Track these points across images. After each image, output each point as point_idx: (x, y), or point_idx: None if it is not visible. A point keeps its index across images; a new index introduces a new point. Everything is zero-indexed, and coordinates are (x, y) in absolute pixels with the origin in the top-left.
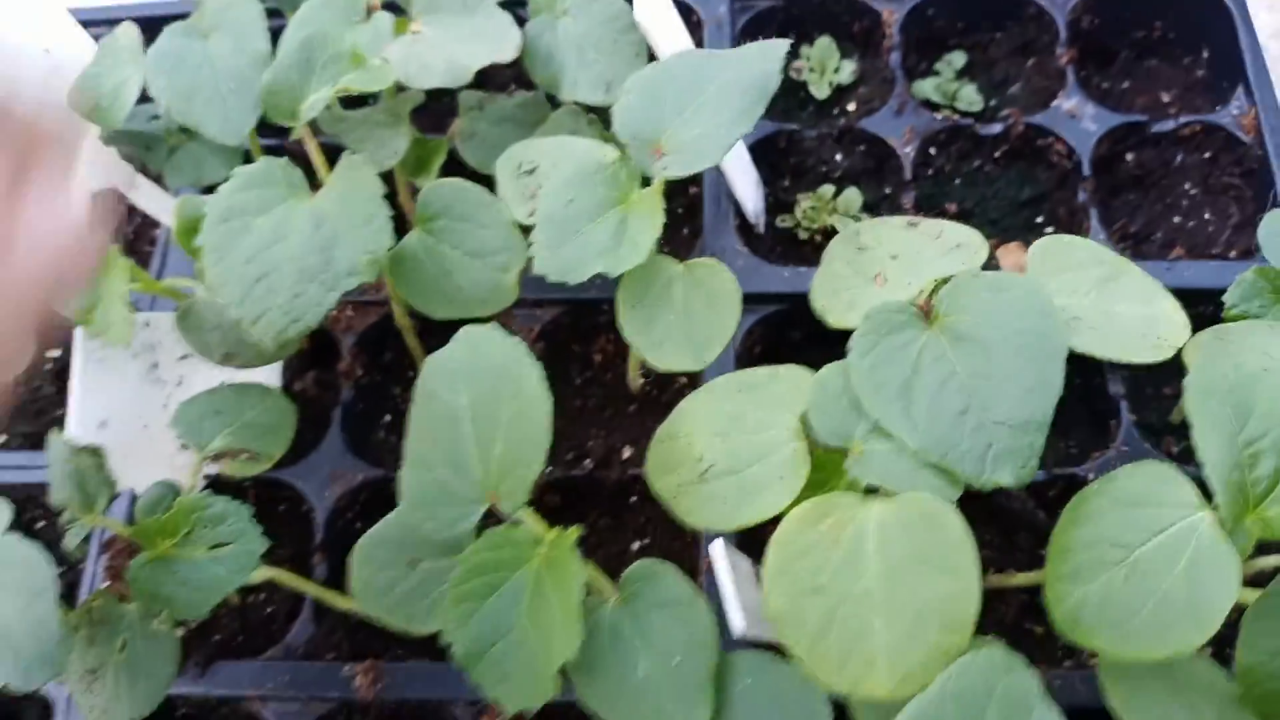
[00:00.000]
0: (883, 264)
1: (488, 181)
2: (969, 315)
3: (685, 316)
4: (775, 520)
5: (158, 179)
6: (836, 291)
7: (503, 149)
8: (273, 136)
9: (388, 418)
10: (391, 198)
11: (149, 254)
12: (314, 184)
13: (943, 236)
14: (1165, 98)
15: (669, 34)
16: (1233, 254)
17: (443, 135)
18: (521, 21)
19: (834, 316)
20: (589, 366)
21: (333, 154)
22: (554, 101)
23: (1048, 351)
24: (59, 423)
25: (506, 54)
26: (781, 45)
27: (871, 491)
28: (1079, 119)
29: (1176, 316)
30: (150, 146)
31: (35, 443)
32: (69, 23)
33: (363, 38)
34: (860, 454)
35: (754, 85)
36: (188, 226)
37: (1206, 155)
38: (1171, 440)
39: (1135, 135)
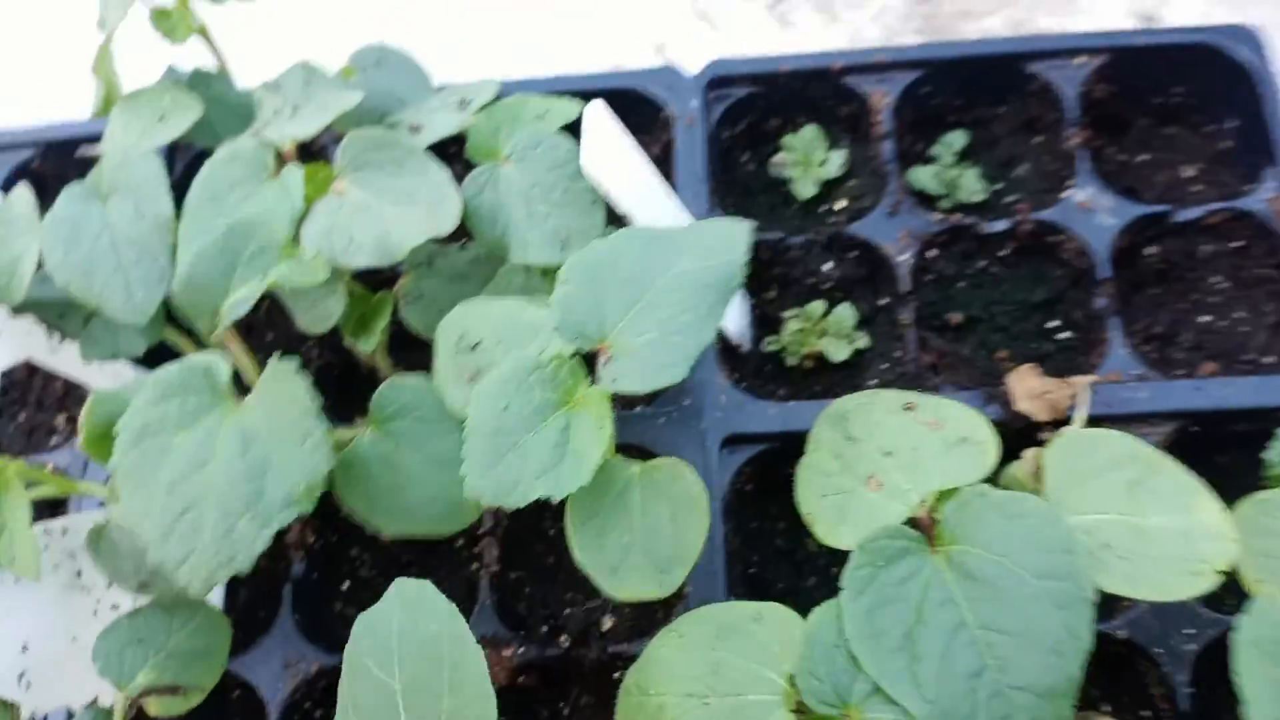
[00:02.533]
0: (877, 462)
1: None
2: (980, 546)
3: (645, 534)
4: None
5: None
6: (824, 494)
7: (449, 311)
8: None
9: (346, 585)
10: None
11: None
12: (241, 385)
13: (945, 427)
14: (1189, 172)
15: (632, 180)
16: (1270, 360)
17: (388, 288)
18: (455, 162)
19: (823, 528)
20: (559, 517)
21: None
22: None
23: (1073, 598)
24: None
25: (445, 225)
26: (743, 228)
27: None
28: (1094, 212)
29: (1220, 528)
30: (64, 314)
31: None
32: None
33: (271, 198)
34: None
35: (715, 282)
36: (99, 434)
37: (1236, 245)
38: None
39: (1156, 226)
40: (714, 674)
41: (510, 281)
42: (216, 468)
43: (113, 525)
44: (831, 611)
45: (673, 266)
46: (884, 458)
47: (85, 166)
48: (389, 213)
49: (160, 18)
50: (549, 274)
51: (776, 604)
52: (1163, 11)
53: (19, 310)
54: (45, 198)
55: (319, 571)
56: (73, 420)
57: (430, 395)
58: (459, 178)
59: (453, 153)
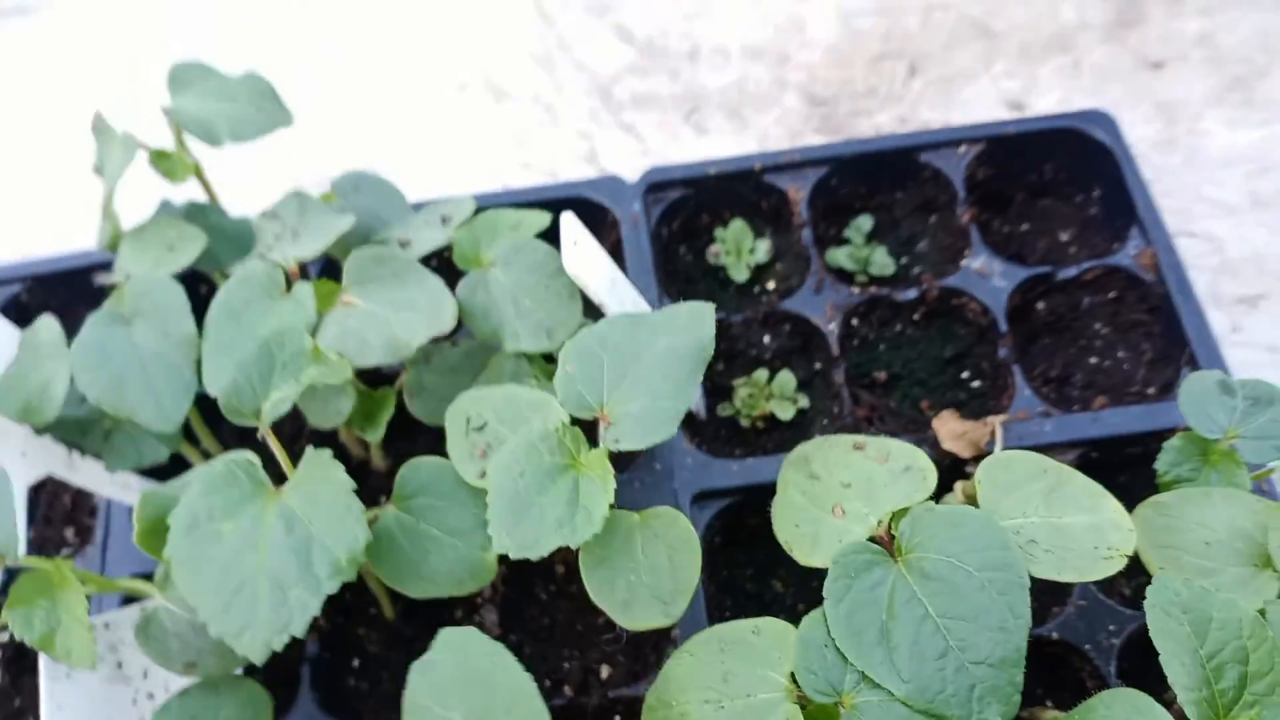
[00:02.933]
0: (838, 493)
1: (436, 433)
2: (932, 552)
3: (650, 573)
4: None
5: (96, 453)
6: (798, 525)
7: (450, 400)
8: None
9: (356, 661)
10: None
11: (90, 528)
12: (277, 476)
13: (890, 459)
14: (1064, 236)
15: (601, 275)
16: (1151, 390)
17: (388, 385)
18: (436, 271)
19: (800, 553)
20: (552, 579)
21: None
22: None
23: (1012, 585)
24: None
25: (445, 325)
26: (708, 309)
27: None
28: (989, 277)
29: (1122, 521)
30: (86, 431)
31: None
32: None
33: (285, 312)
34: (852, 708)
35: (690, 354)
36: (150, 529)
37: (1112, 295)
38: (1122, 583)
39: (1043, 284)
40: (725, 681)
41: (502, 369)
42: (265, 547)
43: (160, 612)
44: (818, 618)
45: (655, 344)
46: (844, 489)
47: (70, 298)
48: (394, 318)
49: (159, 159)
50: (535, 361)
51: (771, 618)
52: (1029, 99)
53: (42, 430)
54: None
55: (331, 651)
56: (81, 532)
57: (445, 473)
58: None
59: (434, 265)
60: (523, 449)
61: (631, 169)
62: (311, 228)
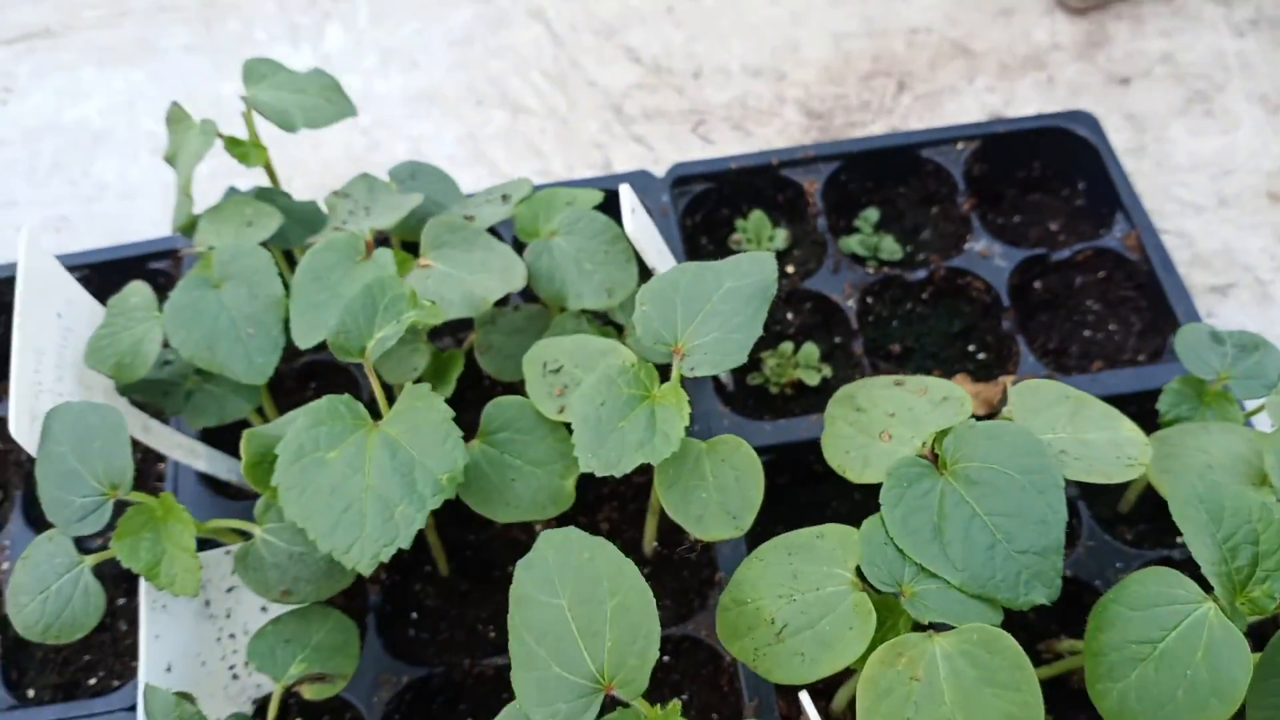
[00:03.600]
0: (884, 422)
1: (505, 388)
2: (975, 461)
3: (718, 491)
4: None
5: (158, 415)
6: (848, 451)
7: (517, 358)
8: None
9: (414, 615)
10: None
11: (156, 490)
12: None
13: (929, 392)
14: (1054, 226)
15: (653, 241)
16: (1142, 358)
17: (454, 346)
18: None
19: (854, 473)
20: (596, 534)
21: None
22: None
23: (1049, 485)
24: (85, 673)
25: (517, 284)
26: (768, 256)
27: (933, 627)
28: (990, 258)
29: (1138, 437)
30: (167, 392)
31: (68, 693)
32: (74, 287)
33: (367, 274)
34: (912, 595)
35: (755, 293)
36: (256, 461)
37: (1102, 275)
38: (1125, 529)
39: (1039, 265)
40: (794, 579)
41: (563, 328)
42: (370, 471)
43: (258, 544)
44: (876, 521)
45: (721, 286)
46: (888, 418)
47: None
48: (470, 278)
49: (233, 145)
50: (592, 321)
51: (833, 524)
52: (1010, 111)
53: (125, 392)
54: None
55: (391, 604)
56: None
57: (525, 410)
58: None
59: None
60: (603, 382)
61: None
62: (381, 205)
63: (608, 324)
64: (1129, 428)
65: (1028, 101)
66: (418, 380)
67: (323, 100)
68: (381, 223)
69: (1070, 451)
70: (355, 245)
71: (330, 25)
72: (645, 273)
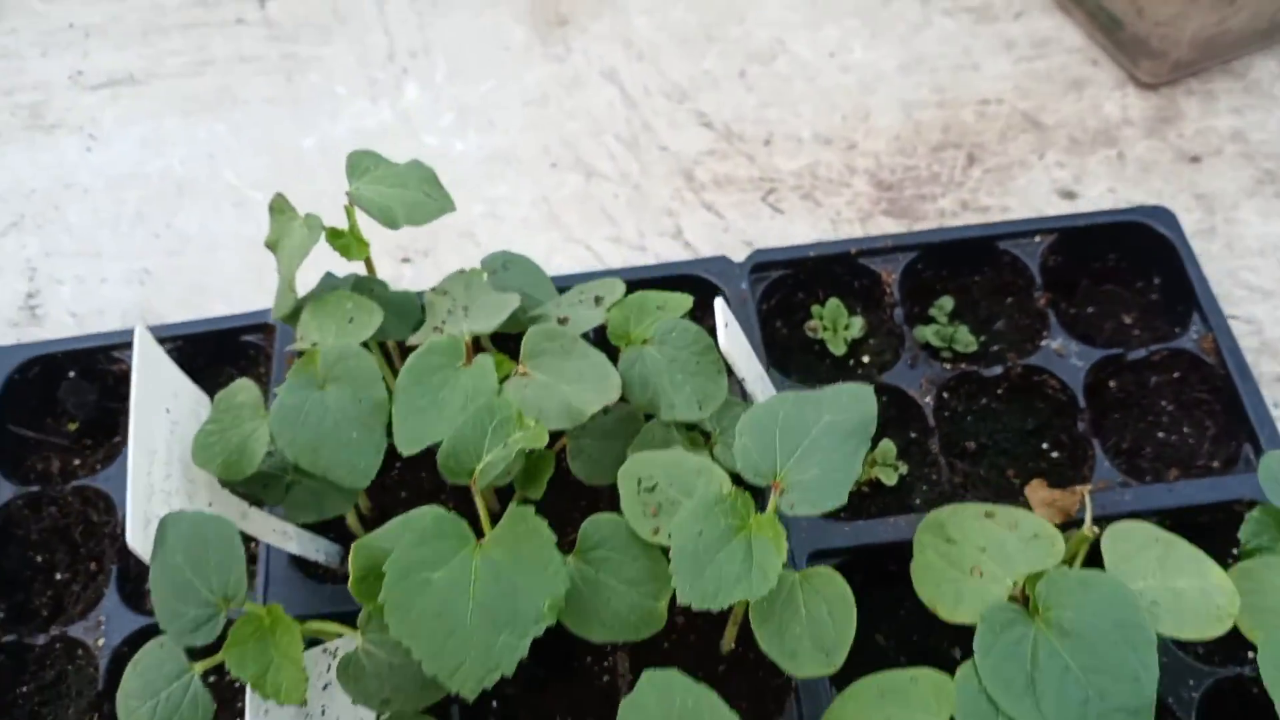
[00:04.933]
0: (975, 557)
1: (591, 492)
2: (1069, 611)
3: (811, 624)
4: None
5: (257, 503)
6: (938, 584)
7: (606, 463)
8: None
9: (495, 703)
10: None
11: (251, 573)
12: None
13: (1019, 527)
14: (1128, 320)
15: (743, 352)
16: (1215, 464)
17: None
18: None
19: (945, 610)
20: (674, 630)
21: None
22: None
23: (1142, 641)
24: None
25: (612, 396)
26: (868, 390)
27: None
28: (1066, 357)
29: (1226, 586)
30: (267, 485)
31: None
32: (181, 380)
33: (469, 381)
34: None
35: (855, 430)
36: (363, 576)
37: (1176, 376)
38: (1195, 643)
39: (1115, 364)
40: None
41: (653, 435)
42: (474, 594)
43: (359, 653)
44: (970, 670)
45: (820, 420)
46: (979, 552)
47: (215, 356)
48: (566, 389)
49: (335, 237)
50: (682, 430)
51: (926, 668)
52: (1080, 187)
53: (227, 483)
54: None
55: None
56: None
57: (621, 528)
58: None
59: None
60: (700, 510)
61: (714, 243)
62: (480, 304)
63: (693, 428)
64: (1218, 576)
65: (1097, 178)
66: (509, 483)
67: (423, 195)
68: (480, 326)
69: (1161, 603)
70: (456, 350)
71: (408, 81)
72: (733, 380)
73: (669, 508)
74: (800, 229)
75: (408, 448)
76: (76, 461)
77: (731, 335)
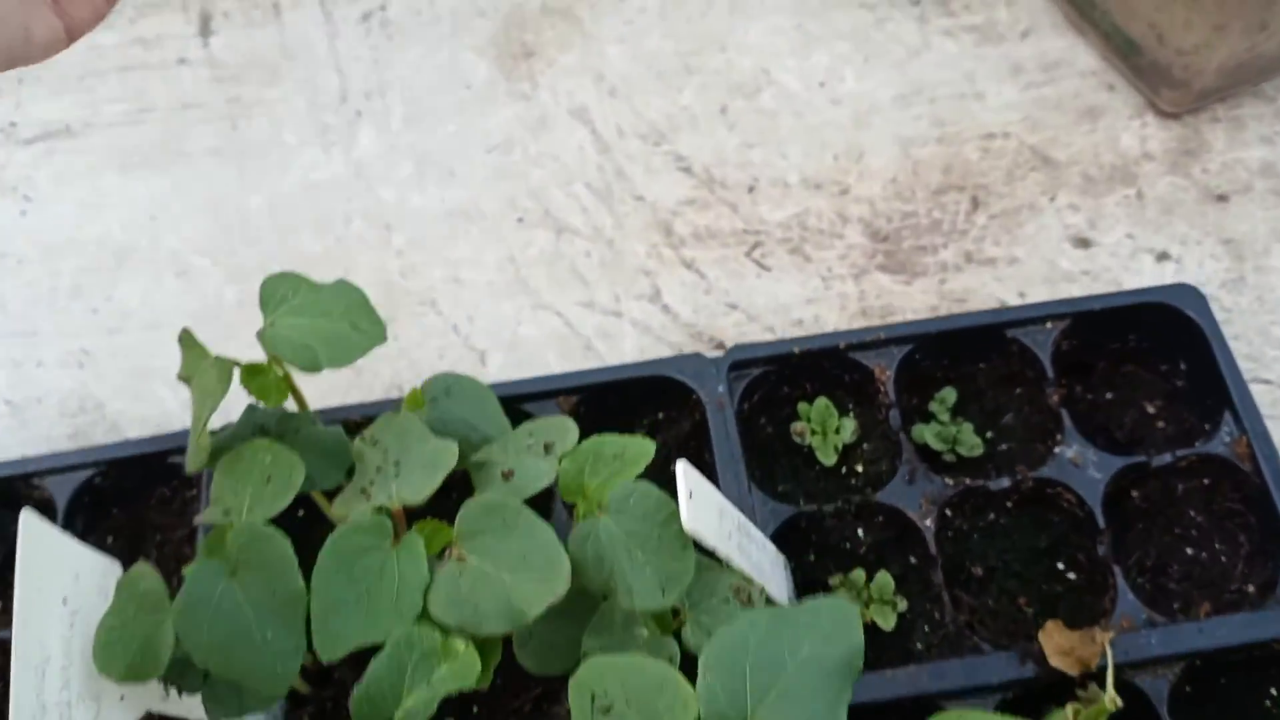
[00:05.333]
0: None
1: (545, 681)
2: None
3: None
4: None
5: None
6: None
7: (558, 650)
8: None
9: None
10: None
11: None
12: None
13: None
14: (1150, 409)
15: (713, 527)
16: (1250, 588)
17: None
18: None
19: None
20: None
21: None
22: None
23: None
24: None
25: (560, 588)
26: (852, 612)
27: None
28: (1083, 467)
29: None
30: (184, 673)
31: None
32: (82, 556)
33: (397, 569)
34: None
35: (838, 668)
36: None
37: (1206, 482)
38: None
39: (1137, 472)
40: None
41: (612, 617)
42: None
43: None
44: None
45: (799, 651)
46: None
47: (145, 480)
48: (508, 580)
49: (250, 377)
50: (644, 619)
51: None
52: (1095, 234)
53: None
54: (104, 514)
55: None
56: None
57: None
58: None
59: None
60: None
61: (694, 306)
62: (414, 458)
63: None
64: None
65: (1115, 222)
66: None
67: (349, 326)
68: (411, 495)
69: None
70: (383, 529)
71: (362, 126)
72: (702, 551)
73: None
74: (789, 288)
75: (328, 654)
76: None
77: (697, 509)
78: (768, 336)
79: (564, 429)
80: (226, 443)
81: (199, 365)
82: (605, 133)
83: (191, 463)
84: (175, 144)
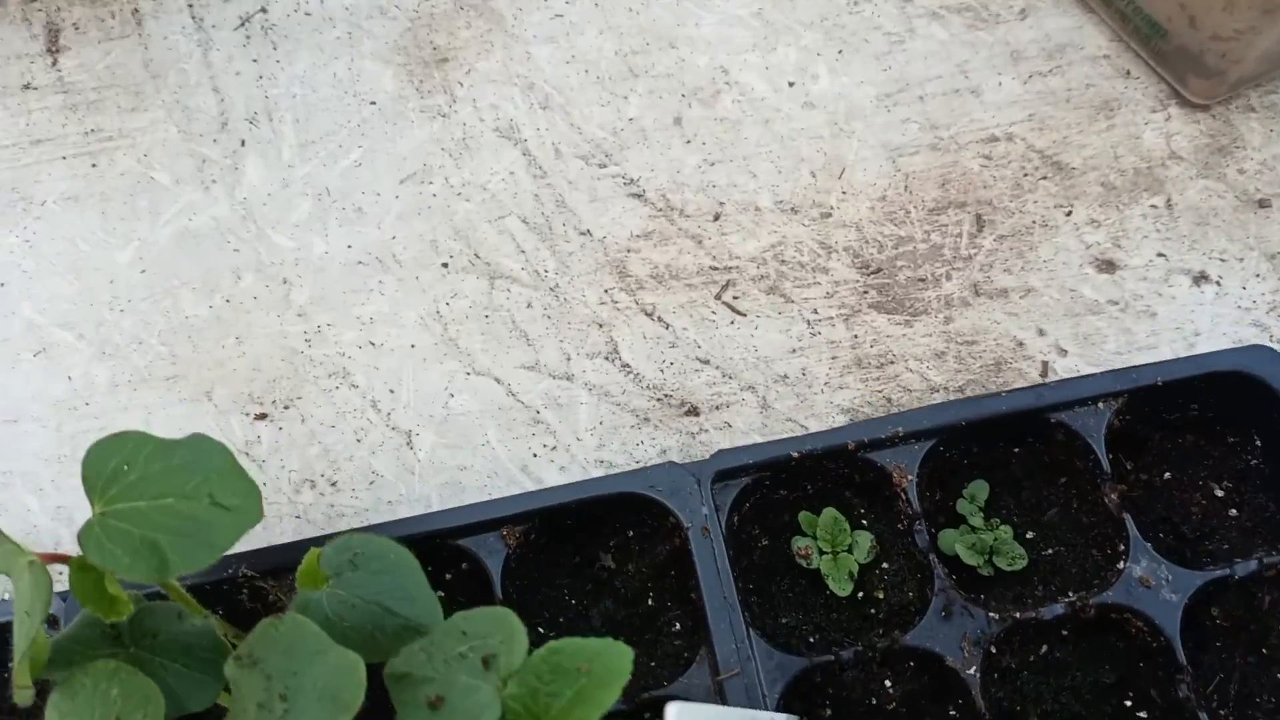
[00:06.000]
0: None
1: None
2: None
3: None
4: None
5: None
6: None
7: None
8: None
9: None
10: None
11: None
12: None
13: None
14: (1219, 491)
15: None
16: None
17: None
18: None
19: None
20: None
21: None
22: None
23: None
24: None
25: None
26: None
27: None
28: (1155, 588)
29: None
30: None
31: None
32: None
33: None
34: None
35: None
36: None
37: None
38: None
39: (1217, 585)
40: None
41: None
42: None
43: None
44: None
45: None
46: None
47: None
48: None
49: (82, 583)
50: None
51: None
52: (1121, 254)
53: None
54: None
55: None
56: None
57: None
58: None
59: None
60: None
61: (658, 363)
62: (307, 687)
63: None
64: None
65: (1142, 238)
66: None
67: (207, 504)
68: None
69: None
70: None
71: (249, 157)
72: None
73: None
74: (769, 335)
75: None
76: None
77: None
78: (748, 399)
79: (509, 631)
80: (63, 654)
81: (13, 565)
82: (540, 154)
83: (17, 697)
84: (23, 189)
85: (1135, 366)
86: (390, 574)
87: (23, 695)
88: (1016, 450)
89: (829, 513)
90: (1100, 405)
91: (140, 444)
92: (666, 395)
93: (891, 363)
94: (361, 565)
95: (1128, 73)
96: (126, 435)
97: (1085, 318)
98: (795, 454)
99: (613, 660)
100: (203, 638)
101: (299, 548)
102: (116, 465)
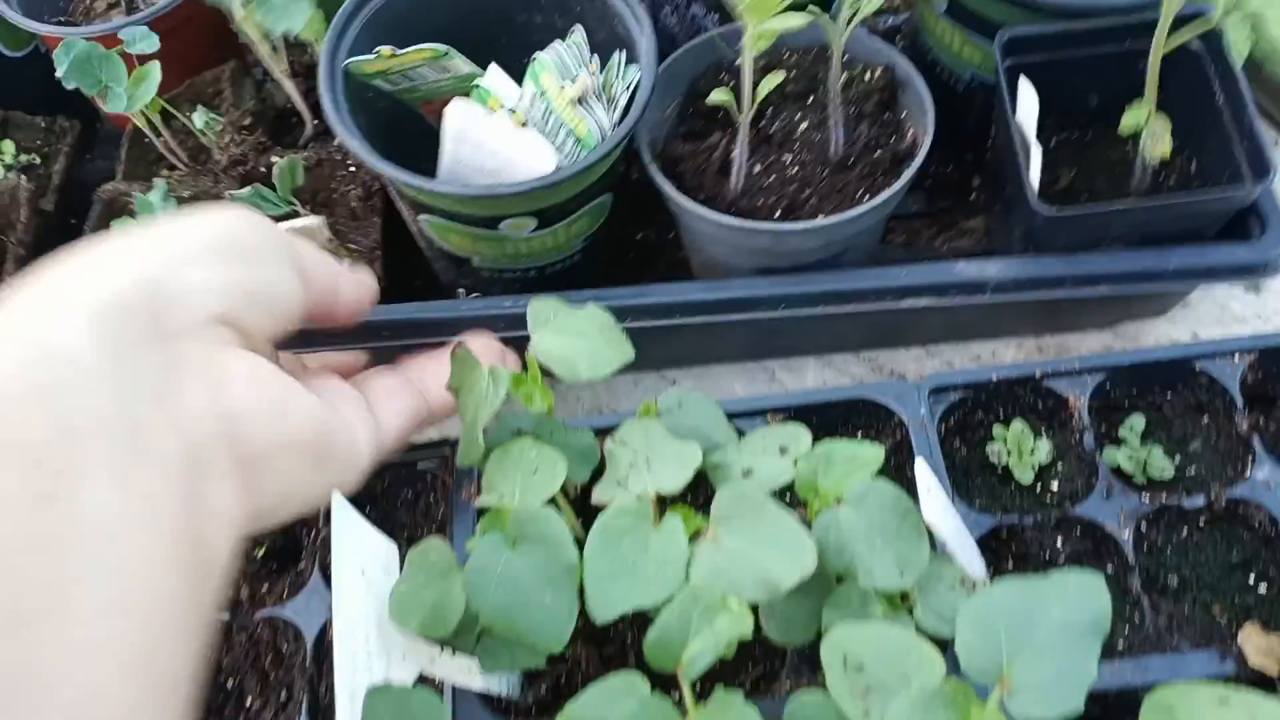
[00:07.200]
0: None
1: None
2: None
3: None
4: None
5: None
6: None
7: (798, 624)
8: None
9: None
10: None
11: None
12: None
13: (1258, 717)
14: None
15: (946, 521)
16: None
17: None
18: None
19: None
20: None
21: None
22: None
23: None
24: None
25: (809, 566)
26: (1098, 582)
27: None
28: (1275, 490)
29: None
30: (459, 635)
31: None
32: (372, 536)
33: (659, 547)
34: None
35: (1090, 627)
36: None
37: None
38: None
39: None
40: None
41: (849, 596)
42: None
43: None
44: None
45: (1049, 616)
46: None
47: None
48: (760, 556)
49: (518, 385)
50: (876, 597)
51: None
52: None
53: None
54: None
55: None
56: None
57: (828, 710)
58: None
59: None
60: (921, 702)
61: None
62: (660, 456)
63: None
64: None
65: None
66: None
67: (604, 344)
68: (666, 484)
69: None
70: (644, 513)
71: None
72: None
73: (879, 690)
74: None
75: (602, 615)
76: (265, 588)
77: (934, 502)
78: (947, 369)
79: (796, 435)
80: (492, 442)
81: (469, 376)
82: None
83: (464, 458)
84: None
85: (1267, 334)
86: (703, 414)
87: (473, 454)
88: (1169, 395)
89: (1017, 423)
90: (1236, 358)
91: (560, 307)
92: (879, 365)
93: (1068, 353)
94: (684, 408)
95: None
96: (553, 301)
97: (1233, 326)
98: (995, 378)
99: (870, 456)
100: (582, 439)
101: None
102: (546, 315)
